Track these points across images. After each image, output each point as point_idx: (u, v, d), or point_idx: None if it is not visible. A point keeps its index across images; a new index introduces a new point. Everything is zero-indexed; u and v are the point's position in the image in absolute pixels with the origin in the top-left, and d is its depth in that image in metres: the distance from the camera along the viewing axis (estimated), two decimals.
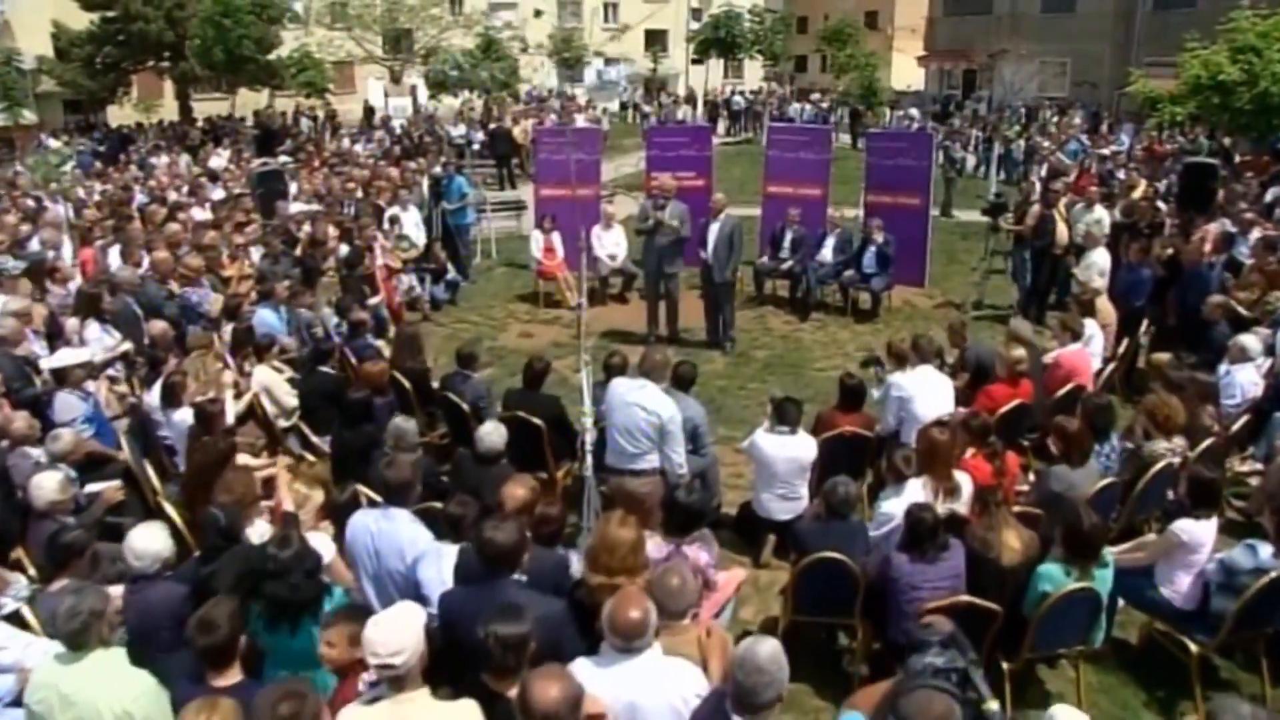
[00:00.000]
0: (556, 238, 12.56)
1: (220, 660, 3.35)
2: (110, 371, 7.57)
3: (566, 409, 6.93)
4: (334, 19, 33.06)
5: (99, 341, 7.75)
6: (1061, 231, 10.74)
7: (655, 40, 45.70)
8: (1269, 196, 13.32)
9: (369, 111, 33.06)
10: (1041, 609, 4.44)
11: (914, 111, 29.73)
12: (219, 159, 16.91)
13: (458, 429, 7.13)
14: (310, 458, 6.12)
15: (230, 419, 6.59)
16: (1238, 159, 17.67)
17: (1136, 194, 12.66)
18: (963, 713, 2.68)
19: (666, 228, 9.97)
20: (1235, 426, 6.81)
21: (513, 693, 2.87)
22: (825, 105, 32.14)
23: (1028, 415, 6.92)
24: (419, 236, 11.92)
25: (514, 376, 7.89)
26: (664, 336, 10.73)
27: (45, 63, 29.96)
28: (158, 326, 7.81)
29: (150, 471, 6.11)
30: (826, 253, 12.17)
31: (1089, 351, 7.85)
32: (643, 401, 5.40)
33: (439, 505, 4.97)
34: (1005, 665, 4.62)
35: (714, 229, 10.08)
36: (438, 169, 14.06)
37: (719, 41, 33.59)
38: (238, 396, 7.23)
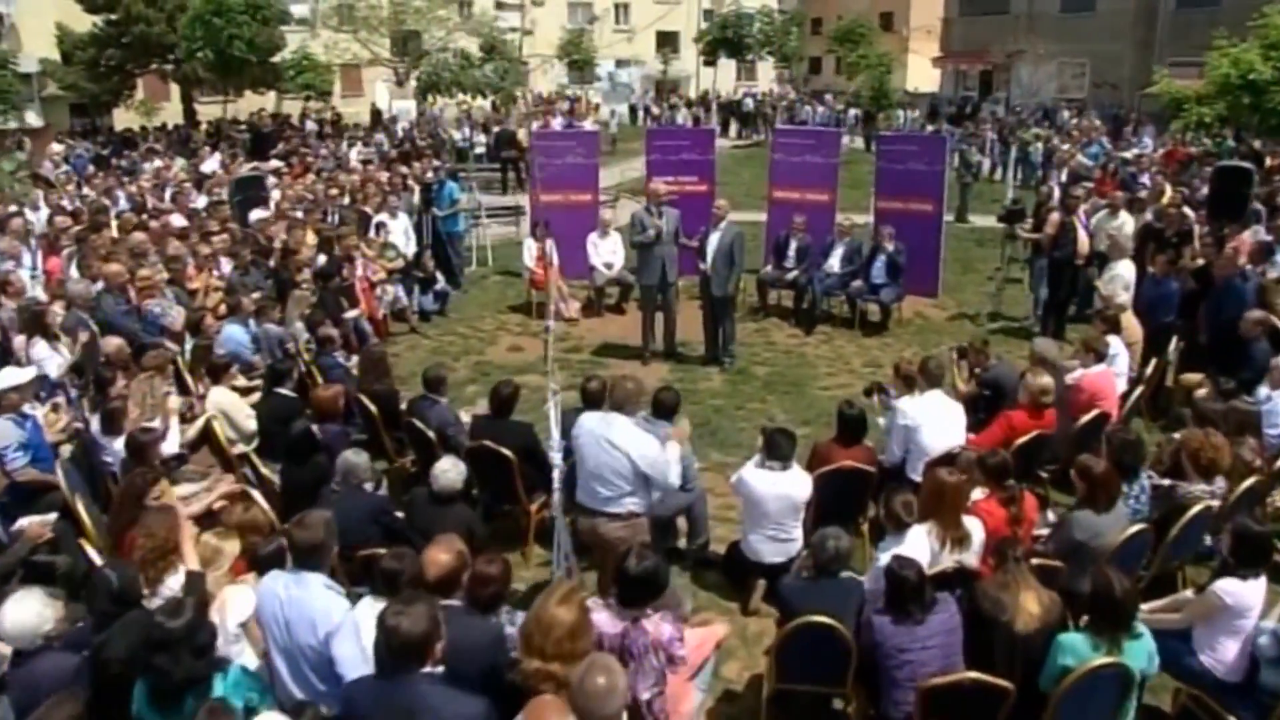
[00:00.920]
0: (551, 245, 12.00)
1: None
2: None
3: (541, 437, 6.38)
4: (341, 21, 32.62)
5: (50, 360, 7.27)
6: (1083, 240, 10.09)
7: (666, 42, 45.12)
8: None
9: (376, 114, 32.73)
10: (1063, 686, 3.83)
11: (913, 114, 28.99)
12: (211, 163, 16.45)
13: (426, 457, 6.61)
14: (255, 495, 5.58)
15: (174, 446, 6.07)
16: (1269, 162, 16.91)
17: (1165, 199, 11.95)
18: None
19: (667, 237, 9.44)
20: None
21: None
22: (839, 107, 31.49)
23: (1048, 446, 6.30)
24: (407, 245, 11.37)
25: None
26: (660, 351, 10.19)
27: (49, 65, 29.70)
28: (112, 344, 7.30)
29: (81, 506, 5.58)
30: (833, 262, 11.55)
31: (1114, 372, 7.22)
32: (613, 439, 4.82)
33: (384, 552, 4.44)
34: None
35: (714, 239, 9.49)
36: (429, 174, 13.51)
37: (726, 42, 32.89)
38: (191, 420, 6.76)
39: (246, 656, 3.83)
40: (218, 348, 7.97)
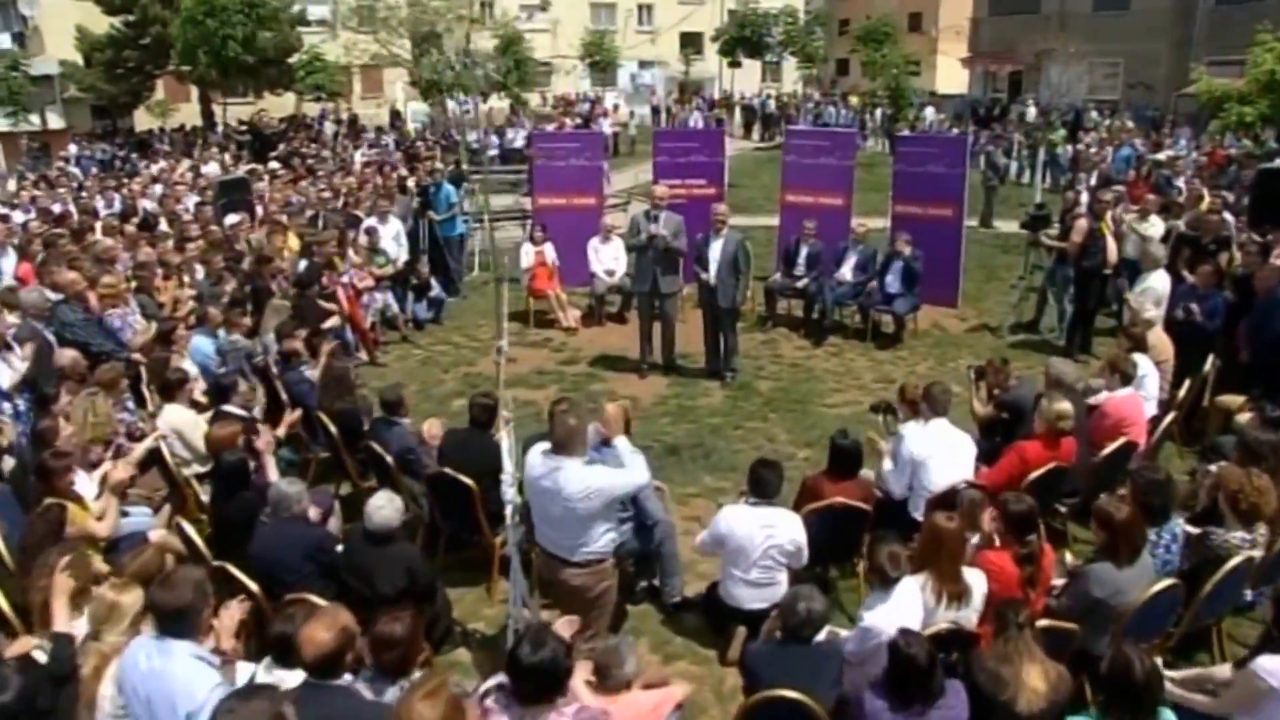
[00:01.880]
0: (550, 250, 11.52)
1: None
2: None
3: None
4: (361, 22, 32.40)
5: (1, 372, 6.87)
6: (1111, 249, 9.41)
7: (690, 43, 44.52)
8: None
9: (395, 115, 32.50)
10: None
11: (928, 111, 28.07)
12: (211, 166, 16.13)
13: (386, 483, 6.13)
14: (189, 531, 5.10)
15: (113, 473, 5.61)
16: None
17: (1203, 205, 11.19)
18: None
19: (659, 241, 8.89)
20: None
21: None
22: (862, 107, 30.76)
23: (1066, 479, 5.68)
24: (398, 250, 10.90)
25: None
26: (658, 363, 9.65)
27: (68, 67, 29.74)
28: (66, 356, 6.89)
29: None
30: (846, 270, 10.92)
31: (1142, 395, 6.57)
32: (559, 489, 4.27)
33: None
34: None
35: (716, 247, 8.92)
36: (428, 176, 13.04)
37: (745, 41, 32.15)
38: (140, 439, 6.32)
39: None
40: (185, 360, 7.56)
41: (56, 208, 12.38)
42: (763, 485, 4.93)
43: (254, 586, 4.52)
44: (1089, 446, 6.01)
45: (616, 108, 32.08)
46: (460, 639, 5.39)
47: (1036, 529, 4.35)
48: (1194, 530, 4.69)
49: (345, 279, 9.83)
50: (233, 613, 3.84)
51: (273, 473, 5.80)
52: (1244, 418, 6.09)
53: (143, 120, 32.74)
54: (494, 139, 23.44)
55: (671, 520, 5.67)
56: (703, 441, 7.96)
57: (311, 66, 27.70)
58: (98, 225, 10.69)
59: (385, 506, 4.49)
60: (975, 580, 4.17)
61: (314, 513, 5.51)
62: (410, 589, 4.60)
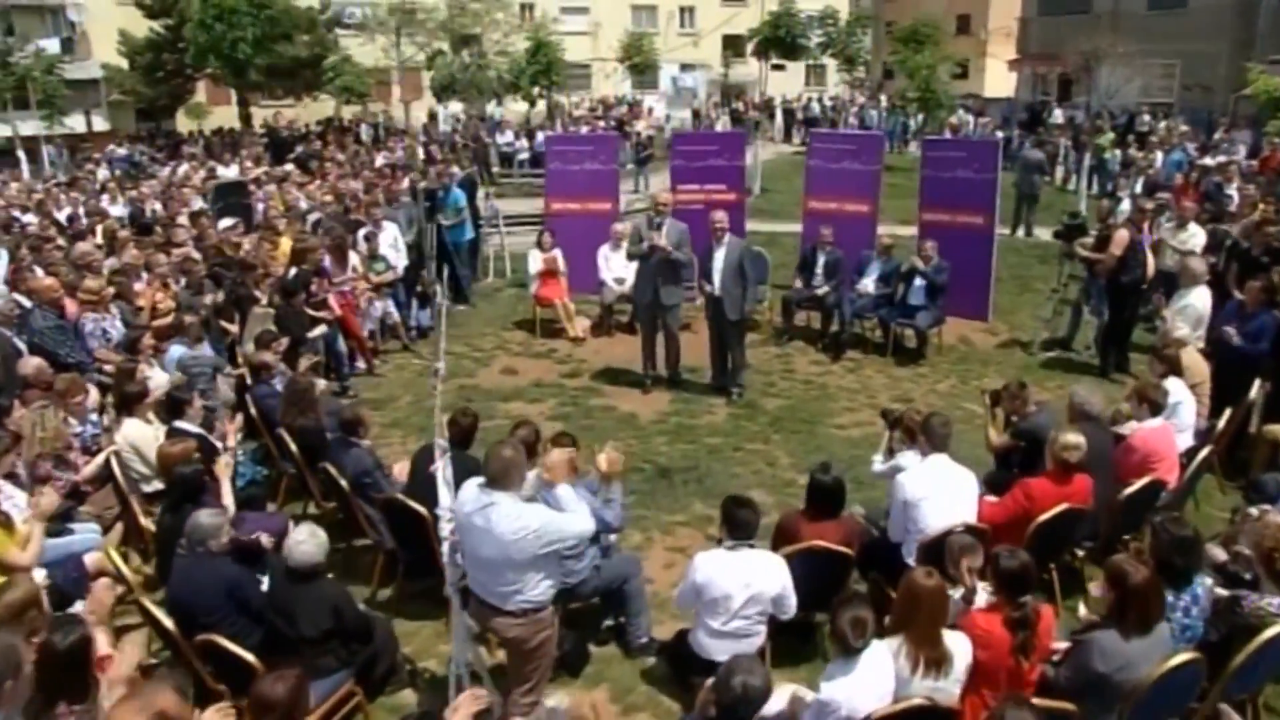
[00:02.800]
0: (558, 256, 11.10)
1: None
2: None
3: None
4: (398, 24, 32.39)
5: None
6: (1149, 262, 8.73)
7: (732, 45, 43.92)
8: None
9: (432, 117, 32.45)
10: None
11: (961, 113, 27.00)
12: (230, 169, 16.02)
13: (343, 507, 5.77)
14: (114, 558, 4.78)
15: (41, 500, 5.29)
16: None
17: (1257, 215, 10.38)
18: None
19: (659, 251, 8.43)
20: None
21: None
22: (891, 108, 29.94)
23: (1081, 522, 5.09)
24: (396, 257, 10.57)
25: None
26: (662, 377, 9.18)
27: (111, 71, 30.17)
28: (31, 364, 6.65)
29: None
30: (868, 282, 10.34)
31: (1174, 424, 5.94)
32: (490, 522, 3.84)
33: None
34: None
35: (718, 256, 8.43)
36: (442, 179, 12.70)
37: (779, 41, 31.42)
38: (95, 454, 6.03)
39: None
40: (162, 371, 7.28)
41: (67, 210, 12.28)
42: (739, 527, 4.44)
43: (169, 623, 4.18)
44: (1115, 482, 5.42)
45: (651, 111, 31.61)
46: (408, 678, 4.99)
47: (1032, 588, 3.78)
48: (1224, 593, 4.08)
49: (346, 286, 9.53)
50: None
51: (228, 498, 5.48)
52: None
53: (183, 123, 33.12)
54: (523, 142, 23.12)
55: (636, 556, 5.20)
56: (698, 464, 7.48)
57: (339, 69, 27.63)
58: (98, 228, 10.54)
59: (306, 541, 4.10)
60: (958, 646, 3.65)
61: (265, 539, 5.18)
62: (336, 630, 4.22)
